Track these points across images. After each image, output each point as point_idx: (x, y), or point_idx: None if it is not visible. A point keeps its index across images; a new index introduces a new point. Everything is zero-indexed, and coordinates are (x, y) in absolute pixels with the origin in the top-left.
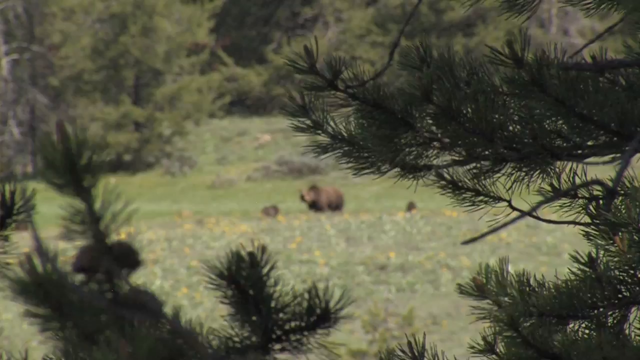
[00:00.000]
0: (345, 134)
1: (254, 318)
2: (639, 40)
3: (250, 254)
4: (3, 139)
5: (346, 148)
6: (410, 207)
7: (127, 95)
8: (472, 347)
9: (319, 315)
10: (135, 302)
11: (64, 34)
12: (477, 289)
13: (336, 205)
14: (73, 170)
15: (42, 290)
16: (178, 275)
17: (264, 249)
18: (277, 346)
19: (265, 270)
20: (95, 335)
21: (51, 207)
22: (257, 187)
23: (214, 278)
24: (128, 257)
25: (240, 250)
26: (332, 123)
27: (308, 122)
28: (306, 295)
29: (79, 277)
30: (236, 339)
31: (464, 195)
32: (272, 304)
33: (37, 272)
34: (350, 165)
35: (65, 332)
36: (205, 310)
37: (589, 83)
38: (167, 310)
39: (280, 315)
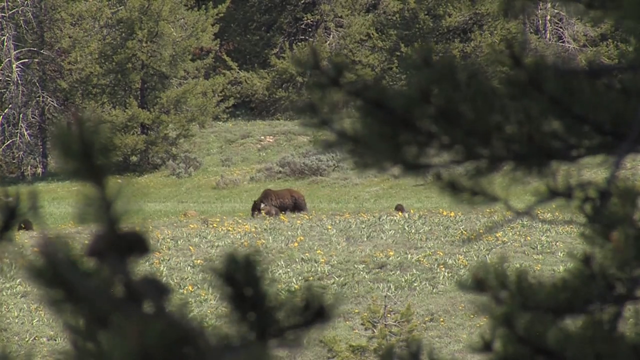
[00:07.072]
0: (349, 132)
1: (250, 316)
2: (632, 45)
3: (246, 256)
4: (14, 141)
5: (350, 145)
6: (398, 208)
7: (134, 98)
8: (470, 346)
9: (314, 312)
10: (144, 288)
11: (72, 39)
12: (477, 283)
13: (294, 207)
14: (87, 154)
15: (55, 274)
16: (183, 274)
17: (258, 250)
18: (274, 342)
19: (260, 270)
20: (106, 318)
21: (60, 207)
22: (260, 188)
23: (213, 278)
24: (137, 243)
25: (235, 251)
26: (337, 120)
27: (315, 119)
28: (301, 293)
29: (91, 262)
30: (234, 336)
31: (461, 195)
32: (268, 302)
33: (50, 257)
34: (354, 162)
35: (78, 315)
36: (210, 307)
37: (584, 84)
38: (174, 300)
39: (277, 312)
